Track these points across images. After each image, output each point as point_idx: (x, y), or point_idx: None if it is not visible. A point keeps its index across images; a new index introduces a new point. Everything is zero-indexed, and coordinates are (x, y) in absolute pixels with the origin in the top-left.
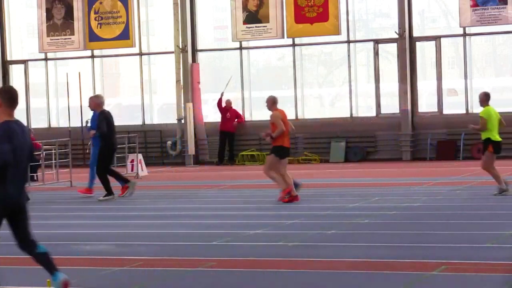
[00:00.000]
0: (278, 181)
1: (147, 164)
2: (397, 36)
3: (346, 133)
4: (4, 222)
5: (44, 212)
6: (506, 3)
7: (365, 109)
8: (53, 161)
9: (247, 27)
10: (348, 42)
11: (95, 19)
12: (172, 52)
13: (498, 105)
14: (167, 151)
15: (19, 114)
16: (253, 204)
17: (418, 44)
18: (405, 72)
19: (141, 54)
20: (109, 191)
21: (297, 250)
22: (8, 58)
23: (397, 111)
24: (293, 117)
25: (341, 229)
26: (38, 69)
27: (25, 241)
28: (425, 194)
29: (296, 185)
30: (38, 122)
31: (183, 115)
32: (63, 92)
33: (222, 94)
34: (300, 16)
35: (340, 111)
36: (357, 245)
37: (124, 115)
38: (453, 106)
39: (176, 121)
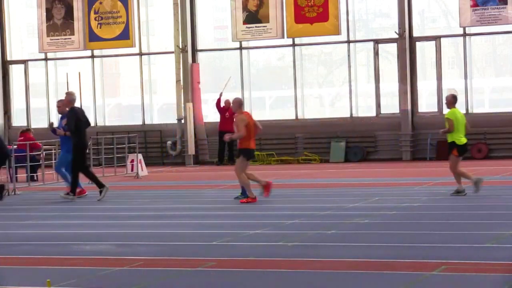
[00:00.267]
0: (255, 178)
1: (147, 164)
2: (397, 36)
3: (346, 133)
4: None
5: (44, 212)
6: (506, 3)
7: (365, 109)
8: (53, 161)
9: (247, 27)
10: (348, 42)
11: (95, 19)
12: (172, 52)
13: (498, 105)
14: (167, 151)
15: (19, 114)
16: (253, 204)
17: (418, 44)
18: (405, 72)
19: (141, 54)
20: (99, 184)
21: (297, 250)
22: (8, 58)
23: (397, 111)
24: (293, 117)
25: (341, 229)
26: (38, 69)
27: None
28: (425, 194)
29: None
30: (38, 122)
31: (183, 115)
32: (63, 92)
33: (221, 94)
34: (300, 16)
35: (340, 111)
36: (357, 245)
37: (124, 115)
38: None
39: (176, 121)
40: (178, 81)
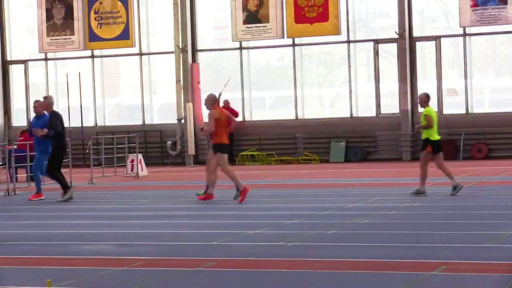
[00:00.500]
0: (235, 180)
1: (147, 164)
2: (397, 36)
3: (346, 133)
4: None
5: (44, 212)
6: (506, 3)
7: (365, 109)
8: None
9: (247, 27)
10: (348, 42)
11: (95, 19)
12: (172, 52)
13: (498, 105)
14: (167, 151)
15: (19, 114)
16: (253, 204)
17: (418, 44)
18: (405, 72)
19: (141, 54)
20: (65, 186)
21: (297, 250)
22: (8, 58)
23: (397, 111)
24: (293, 117)
25: (341, 229)
26: (38, 69)
27: None
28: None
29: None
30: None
31: (183, 115)
32: (63, 92)
33: (219, 95)
34: (300, 16)
35: (340, 111)
36: (357, 245)
37: (124, 115)
38: (453, 106)
39: (176, 121)
40: (178, 81)
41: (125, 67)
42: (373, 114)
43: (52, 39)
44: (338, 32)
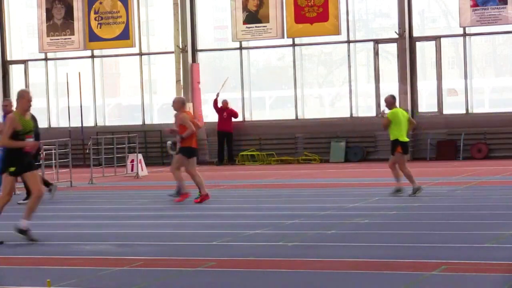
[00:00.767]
0: (181, 183)
1: (147, 164)
2: (397, 36)
3: (346, 133)
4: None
5: (44, 212)
6: (506, 3)
7: (365, 109)
8: (53, 161)
9: (247, 27)
10: (348, 42)
11: (95, 19)
12: (172, 52)
13: (498, 105)
14: (167, 151)
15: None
16: (253, 204)
17: (418, 44)
18: (405, 72)
19: (141, 54)
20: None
21: (297, 250)
22: (8, 58)
23: None
24: (293, 117)
25: (341, 229)
26: (38, 69)
27: None
28: (425, 194)
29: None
30: (38, 122)
31: None
32: (63, 92)
33: (217, 95)
34: (300, 16)
35: (340, 111)
36: (357, 245)
37: (124, 115)
38: (453, 106)
39: None
40: (178, 81)
41: (125, 67)
42: (373, 114)
43: (52, 39)
44: (338, 32)
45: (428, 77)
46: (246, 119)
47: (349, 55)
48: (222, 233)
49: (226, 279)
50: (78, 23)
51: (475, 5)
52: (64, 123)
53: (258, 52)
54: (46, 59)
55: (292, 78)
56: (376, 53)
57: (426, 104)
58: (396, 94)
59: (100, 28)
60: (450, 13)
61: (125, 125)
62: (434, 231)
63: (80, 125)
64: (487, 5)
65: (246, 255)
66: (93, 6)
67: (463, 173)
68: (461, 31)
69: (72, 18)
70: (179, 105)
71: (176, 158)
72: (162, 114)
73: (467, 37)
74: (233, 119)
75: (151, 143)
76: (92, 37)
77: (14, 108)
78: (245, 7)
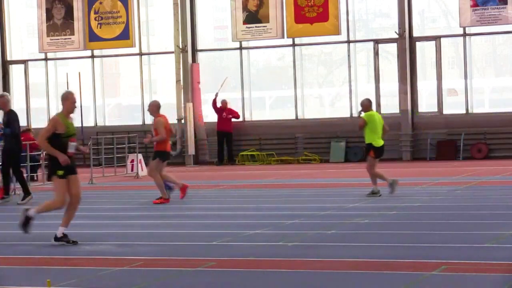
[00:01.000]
0: (172, 180)
1: (147, 164)
2: (397, 36)
3: (346, 133)
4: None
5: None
6: (506, 3)
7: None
8: None
9: (247, 27)
10: (348, 42)
11: (95, 19)
12: (172, 52)
13: (498, 105)
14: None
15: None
16: (253, 204)
17: (418, 44)
18: (405, 72)
19: (141, 54)
20: (27, 191)
21: (297, 250)
22: (8, 58)
23: (397, 111)
24: (293, 117)
25: (341, 229)
26: (38, 69)
27: None
28: (425, 194)
29: (169, 188)
30: (38, 122)
31: (183, 115)
32: (63, 92)
33: (216, 95)
34: (300, 16)
35: (340, 111)
36: (357, 245)
37: (124, 115)
38: (453, 106)
39: (176, 121)
40: (178, 81)
41: (125, 67)
42: None
43: (52, 39)
44: (338, 32)
45: (428, 77)
46: (246, 119)
47: (349, 55)
48: (222, 233)
49: (226, 279)
50: (78, 23)
51: (475, 5)
52: None
53: (258, 52)
54: (46, 59)
55: (292, 78)
56: (376, 53)
57: (426, 104)
58: (396, 94)
59: (100, 28)
60: (450, 13)
61: (125, 125)
62: (434, 231)
63: (80, 125)
64: (487, 5)
65: (246, 255)
66: (93, 6)
67: (463, 173)
68: (461, 31)
69: (72, 18)
70: (153, 108)
71: (155, 164)
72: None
73: (467, 37)
74: (234, 119)
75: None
76: (92, 37)
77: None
78: (245, 7)
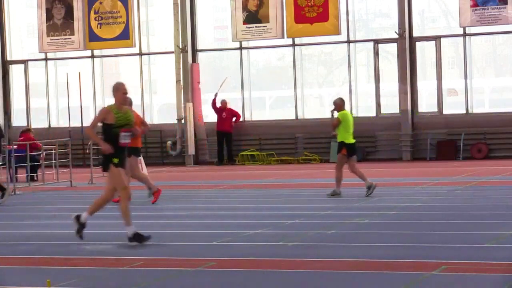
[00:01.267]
0: (145, 181)
1: (147, 164)
2: (397, 36)
3: None
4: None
5: (44, 212)
6: (506, 3)
7: (365, 109)
8: (53, 161)
9: (247, 27)
10: (348, 42)
11: (95, 19)
12: (172, 52)
13: (498, 105)
14: (167, 151)
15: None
16: (253, 204)
17: (418, 44)
18: (405, 72)
19: (141, 54)
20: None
21: (297, 250)
22: (8, 58)
23: (397, 111)
24: (293, 117)
25: (341, 229)
26: (38, 69)
27: None
28: (425, 194)
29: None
30: (38, 122)
31: (183, 115)
32: (63, 92)
33: (216, 95)
34: (300, 16)
35: None
36: (357, 245)
37: None
38: (453, 106)
39: (176, 121)
40: (178, 81)
41: (125, 67)
42: (373, 114)
43: (52, 39)
44: (338, 32)
45: (428, 77)
46: (246, 119)
47: (349, 55)
48: (222, 233)
49: (226, 279)
50: (78, 23)
51: (475, 5)
52: (64, 123)
53: (258, 52)
54: (46, 59)
55: (292, 78)
56: (376, 53)
57: (426, 104)
58: (396, 94)
59: (100, 28)
60: (450, 13)
61: None
62: (434, 231)
63: (80, 125)
64: (487, 5)
65: (246, 255)
66: (93, 6)
67: (463, 173)
68: (461, 31)
69: (72, 18)
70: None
71: (134, 162)
72: (162, 114)
73: (467, 37)
74: (234, 119)
75: (151, 143)
76: (92, 37)
77: None
78: (245, 7)
